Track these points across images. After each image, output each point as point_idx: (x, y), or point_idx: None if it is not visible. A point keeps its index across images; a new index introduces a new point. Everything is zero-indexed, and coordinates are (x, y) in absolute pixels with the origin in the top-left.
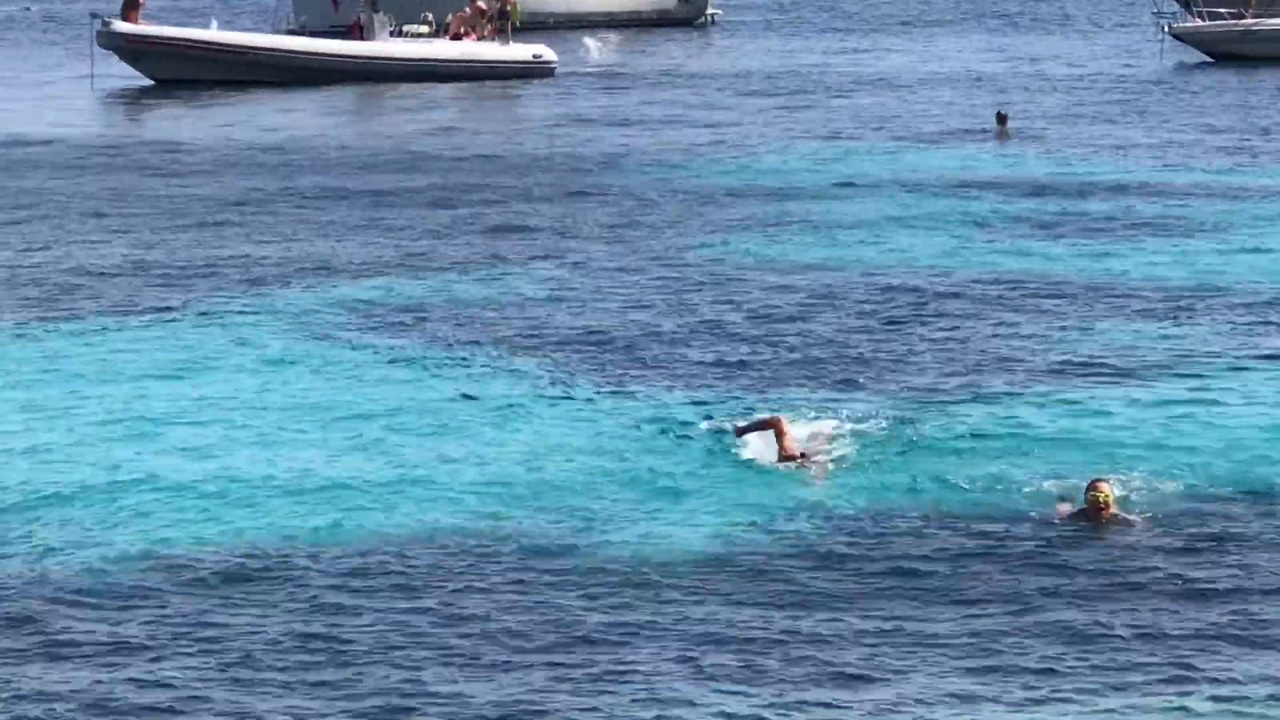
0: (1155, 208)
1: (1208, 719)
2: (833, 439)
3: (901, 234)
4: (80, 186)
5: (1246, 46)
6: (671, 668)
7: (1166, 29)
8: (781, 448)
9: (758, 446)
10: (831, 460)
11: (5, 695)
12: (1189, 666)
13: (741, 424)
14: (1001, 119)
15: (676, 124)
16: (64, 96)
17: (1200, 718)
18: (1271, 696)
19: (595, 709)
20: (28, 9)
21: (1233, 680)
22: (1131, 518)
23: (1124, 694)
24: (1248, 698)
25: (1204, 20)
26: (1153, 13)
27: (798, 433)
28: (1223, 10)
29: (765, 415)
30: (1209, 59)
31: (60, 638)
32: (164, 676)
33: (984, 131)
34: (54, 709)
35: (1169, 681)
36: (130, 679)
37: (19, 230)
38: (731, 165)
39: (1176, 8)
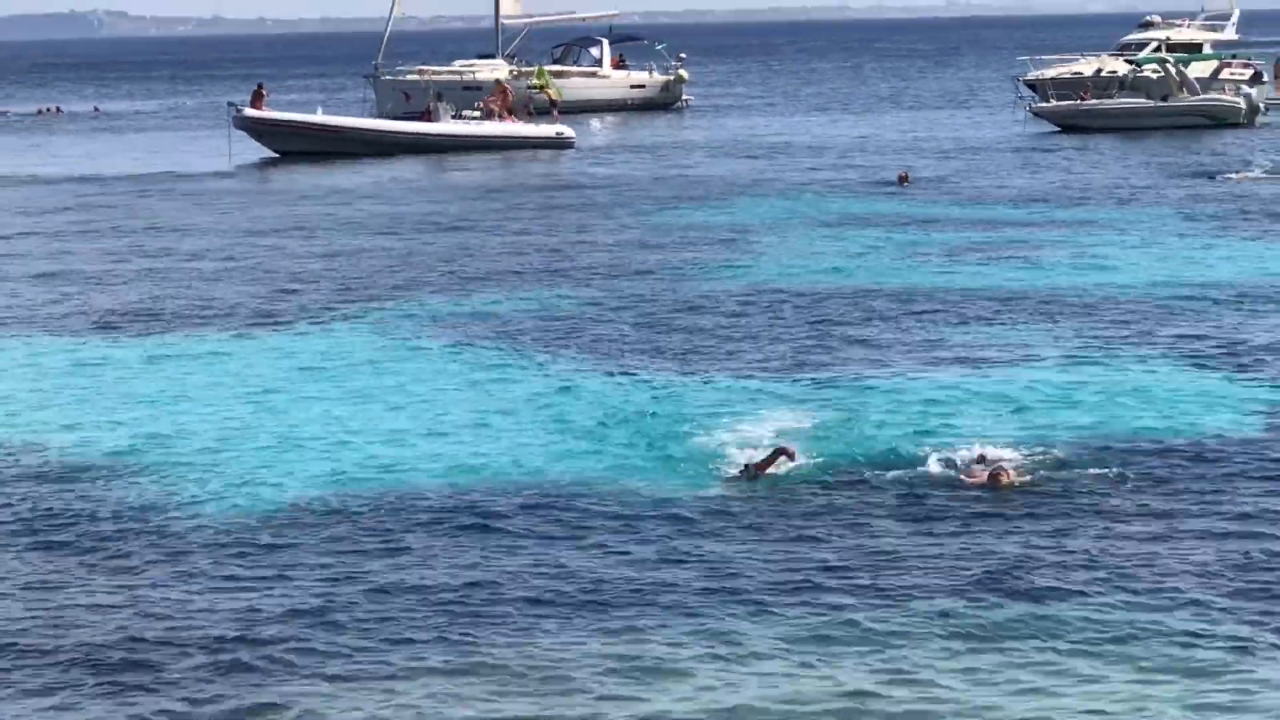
0: (1018, 235)
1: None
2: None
3: (828, 257)
4: (225, 221)
5: (1085, 121)
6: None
7: (1028, 108)
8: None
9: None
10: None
11: (164, 612)
12: (1054, 601)
13: (759, 460)
14: (901, 178)
15: (662, 179)
16: (208, 158)
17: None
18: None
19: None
20: (183, 103)
21: (1096, 621)
22: (1019, 482)
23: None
24: (1125, 635)
25: (1055, 101)
26: (1018, 96)
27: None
28: (1068, 94)
29: (776, 447)
30: (1058, 129)
31: (235, 564)
32: (306, 594)
33: (889, 184)
34: (215, 621)
35: (1046, 620)
36: (279, 598)
37: (180, 244)
38: (703, 206)
39: (1033, 94)
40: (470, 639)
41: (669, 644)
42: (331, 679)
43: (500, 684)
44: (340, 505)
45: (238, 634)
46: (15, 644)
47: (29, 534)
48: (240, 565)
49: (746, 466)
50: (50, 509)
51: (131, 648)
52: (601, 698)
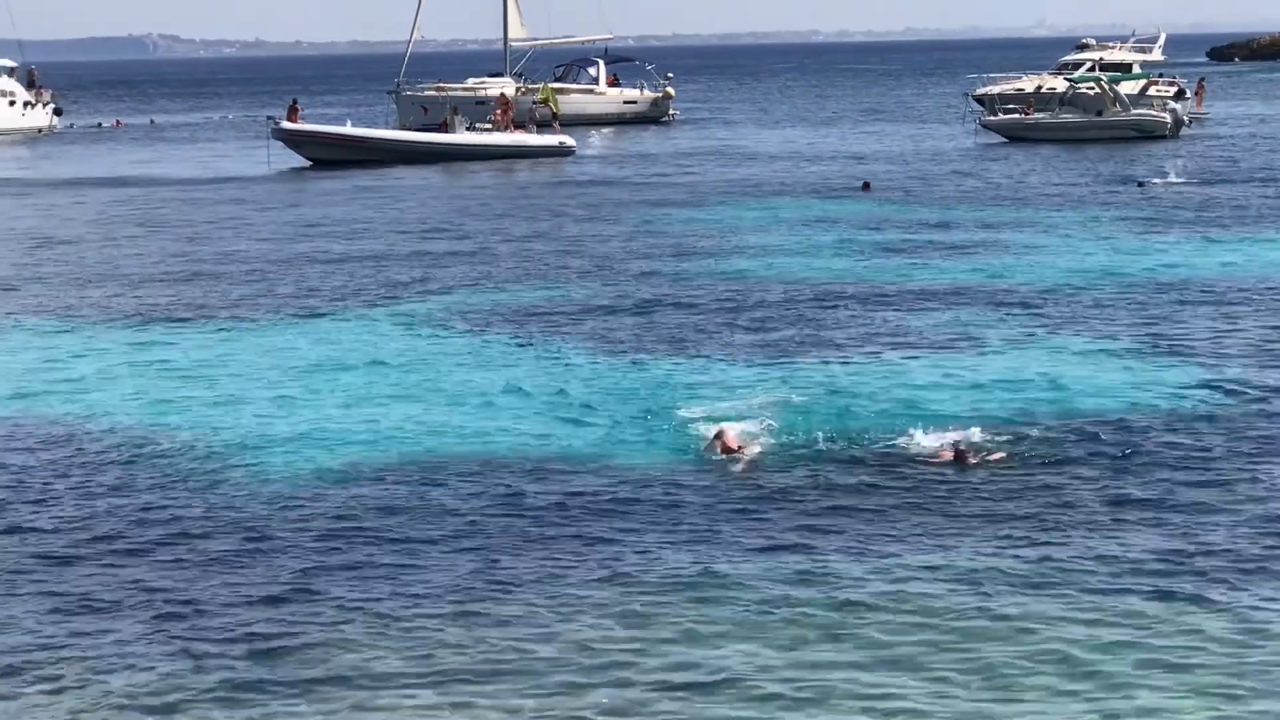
0: (969, 235)
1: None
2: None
3: (801, 254)
4: (264, 220)
5: (1028, 133)
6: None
7: (978, 121)
8: (724, 446)
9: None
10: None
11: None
12: (1022, 558)
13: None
14: (864, 185)
15: (652, 184)
16: (248, 165)
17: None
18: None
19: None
20: (228, 116)
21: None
22: (988, 459)
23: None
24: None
25: (1001, 115)
26: (969, 111)
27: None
28: (1013, 108)
29: (712, 430)
30: (1005, 140)
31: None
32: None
33: (854, 190)
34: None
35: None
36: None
37: (224, 245)
38: (689, 208)
39: (982, 108)
40: (481, 585)
41: (647, 600)
42: (366, 620)
43: (502, 625)
44: (372, 471)
45: (283, 585)
46: (89, 596)
47: (108, 500)
48: (287, 526)
49: (718, 435)
50: (120, 477)
51: (190, 596)
52: (592, 643)
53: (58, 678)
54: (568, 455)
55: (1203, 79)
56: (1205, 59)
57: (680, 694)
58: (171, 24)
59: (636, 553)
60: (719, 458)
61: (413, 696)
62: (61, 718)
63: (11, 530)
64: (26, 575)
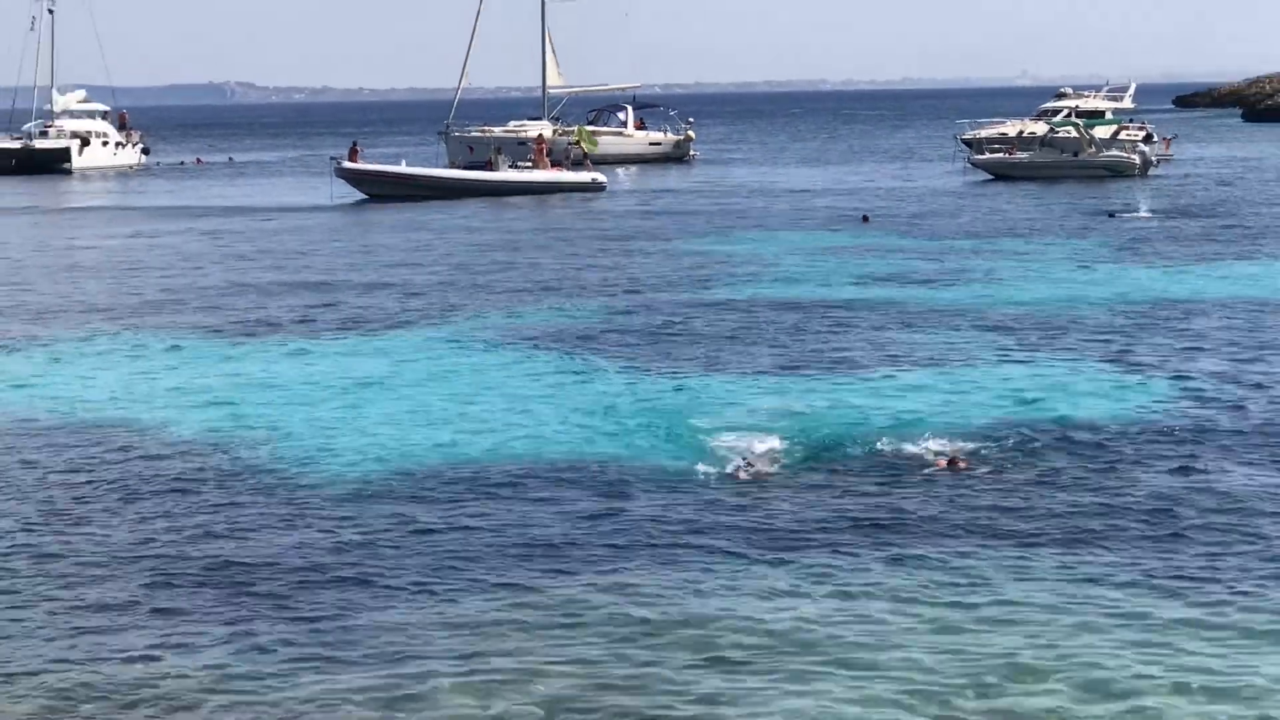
0: (959, 262)
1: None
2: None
3: (807, 279)
4: (326, 247)
5: (1012, 171)
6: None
7: (967, 161)
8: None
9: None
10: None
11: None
12: (1022, 558)
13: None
14: (864, 218)
15: (675, 217)
16: (313, 200)
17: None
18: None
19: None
20: (289, 156)
21: (1053, 573)
22: (974, 466)
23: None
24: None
25: (988, 155)
26: (959, 151)
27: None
28: (998, 149)
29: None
30: (991, 178)
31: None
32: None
33: (855, 222)
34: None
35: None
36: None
37: (290, 272)
38: (708, 238)
39: (970, 149)
40: (511, 575)
41: (660, 596)
42: (405, 600)
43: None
44: (417, 469)
45: (343, 572)
46: (165, 573)
47: (183, 490)
48: (339, 515)
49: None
50: (200, 468)
51: (249, 575)
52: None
53: (139, 651)
54: (602, 462)
55: (1171, 138)
56: (1172, 106)
57: (698, 680)
58: (247, 72)
59: (663, 550)
60: (740, 472)
61: (461, 676)
62: (150, 683)
63: (103, 517)
64: (112, 555)
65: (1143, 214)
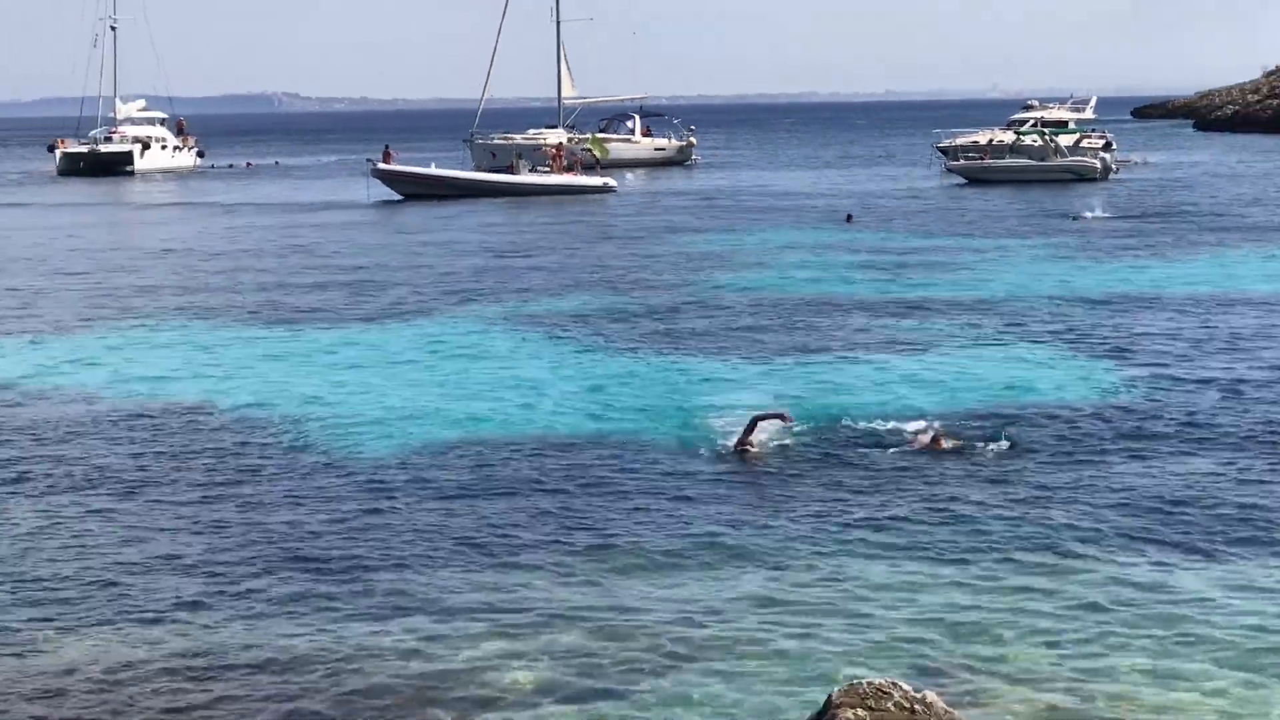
0: (935, 257)
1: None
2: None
3: (797, 272)
4: (362, 240)
5: (984, 176)
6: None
7: (943, 167)
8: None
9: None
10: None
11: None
12: (989, 531)
13: (740, 437)
14: (848, 217)
15: (678, 215)
16: (351, 198)
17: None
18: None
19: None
20: (330, 160)
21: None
22: (954, 444)
23: (962, 564)
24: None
25: (962, 161)
26: (935, 158)
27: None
28: (971, 156)
29: (758, 416)
30: (965, 182)
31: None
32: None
33: (840, 221)
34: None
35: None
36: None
37: (332, 262)
38: (708, 234)
39: (945, 156)
40: (533, 534)
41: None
42: (442, 559)
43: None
44: (448, 441)
45: (387, 527)
46: (215, 547)
47: (235, 456)
48: (376, 480)
49: (740, 445)
50: (246, 443)
51: (296, 533)
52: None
53: (189, 600)
54: (610, 435)
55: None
56: (1130, 117)
57: (700, 628)
58: (293, 83)
59: (670, 514)
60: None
61: (492, 622)
62: (201, 633)
63: (164, 483)
64: (175, 516)
65: (1102, 214)
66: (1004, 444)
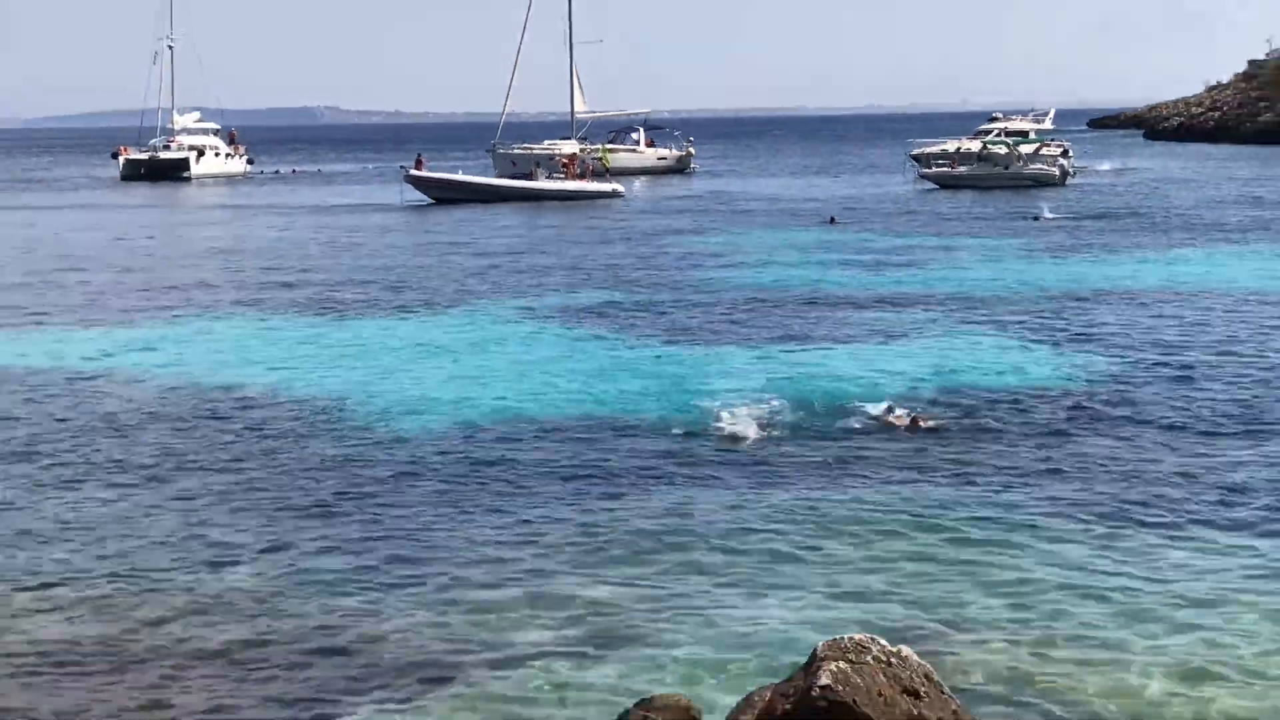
0: (910, 255)
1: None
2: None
3: (786, 268)
4: (392, 238)
5: (954, 181)
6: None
7: (918, 173)
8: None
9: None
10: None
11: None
12: (959, 503)
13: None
14: (831, 219)
15: (678, 217)
16: (386, 202)
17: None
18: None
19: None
20: (367, 167)
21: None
22: (931, 424)
23: (935, 531)
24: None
25: (934, 168)
26: (910, 166)
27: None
28: (942, 163)
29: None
30: (937, 187)
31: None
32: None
33: (824, 223)
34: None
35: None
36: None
37: (368, 259)
38: (706, 234)
39: (919, 164)
40: (553, 500)
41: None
42: (475, 518)
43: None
44: (477, 421)
45: (425, 496)
46: (277, 498)
47: (290, 433)
48: (415, 453)
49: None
50: (299, 418)
51: (344, 499)
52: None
53: (252, 557)
54: (616, 413)
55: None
56: (1086, 127)
57: (695, 585)
58: (333, 97)
59: (666, 484)
60: (733, 425)
61: (513, 580)
62: (259, 585)
63: (225, 456)
64: (233, 485)
65: (1060, 215)
66: (977, 423)
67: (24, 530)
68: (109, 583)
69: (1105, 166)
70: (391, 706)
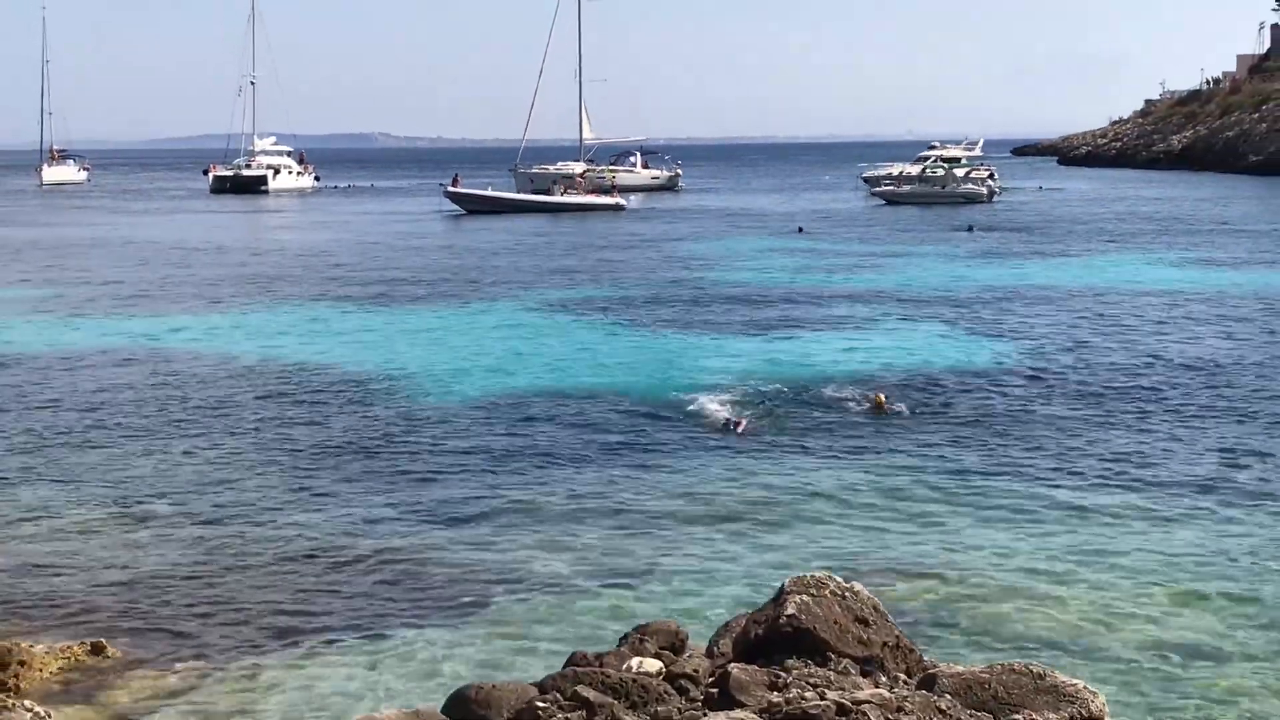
0: (865, 260)
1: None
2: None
3: (761, 271)
4: (433, 242)
5: (899, 199)
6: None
7: (869, 191)
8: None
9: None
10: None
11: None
12: (944, 487)
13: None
14: (800, 229)
15: (671, 226)
16: (429, 212)
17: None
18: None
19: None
20: (415, 183)
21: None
22: (898, 408)
23: (907, 499)
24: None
25: (882, 187)
26: (861, 185)
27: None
28: (889, 183)
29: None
30: (885, 204)
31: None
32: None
33: (793, 233)
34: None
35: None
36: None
37: (413, 259)
38: (694, 241)
39: (869, 184)
40: (564, 475)
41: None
42: (506, 482)
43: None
44: (504, 400)
45: (455, 464)
46: (335, 461)
47: (345, 408)
48: (448, 435)
49: (727, 422)
50: (346, 398)
51: (390, 463)
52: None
53: (308, 518)
54: (618, 395)
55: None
56: (1009, 155)
57: (686, 555)
58: (386, 124)
59: (660, 455)
60: (722, 410)
61: (536, 532)
62: (318, 544)
63: (276, 430)
64: (290, 449)
65: (989, 227)
66: (928, 400)
67: (142, 474)
68: (214, 510)
69: (1026, 186)
70: (436, 621)
